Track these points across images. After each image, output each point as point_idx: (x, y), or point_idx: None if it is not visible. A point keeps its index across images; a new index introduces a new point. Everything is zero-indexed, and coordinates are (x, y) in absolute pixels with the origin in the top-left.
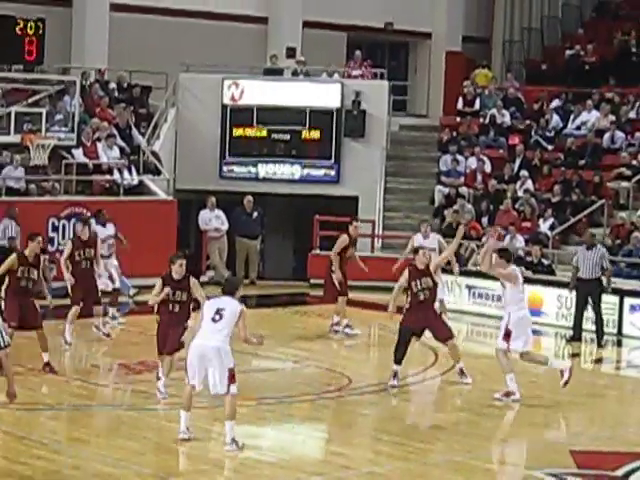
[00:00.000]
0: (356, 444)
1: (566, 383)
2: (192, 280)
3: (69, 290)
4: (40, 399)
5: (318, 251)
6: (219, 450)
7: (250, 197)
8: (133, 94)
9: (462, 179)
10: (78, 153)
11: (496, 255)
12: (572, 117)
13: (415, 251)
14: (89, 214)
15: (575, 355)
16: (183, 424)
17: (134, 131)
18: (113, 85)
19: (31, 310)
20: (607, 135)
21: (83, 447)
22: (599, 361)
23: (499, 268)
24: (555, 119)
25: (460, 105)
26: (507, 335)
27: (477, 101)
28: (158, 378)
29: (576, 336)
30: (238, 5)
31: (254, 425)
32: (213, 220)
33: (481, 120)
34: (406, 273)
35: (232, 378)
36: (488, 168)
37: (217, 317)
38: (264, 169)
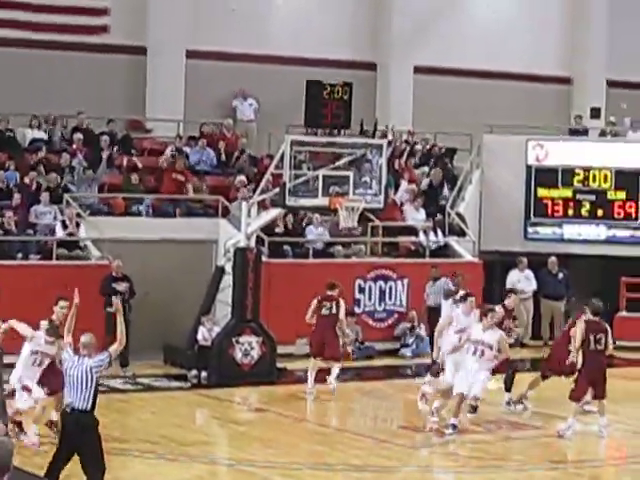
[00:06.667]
0: None
1: None
2: None
3: None
4: None
5: (624, 313)
6: None
7: (554, 258)
8: (438, 156)
9: None
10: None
11: None
12: None
13: None
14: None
15: None
16: None
17: (445, 192)
18: (418, 147)
19: None
20: None
21: None
22: None
23: None
24: None
25: None
26: None
27: None
28: None
29: None
30: (541, 66)
31: None
32: (522, 281)
33: None
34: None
35: None
36: None
37: None
38: (569, 230)
